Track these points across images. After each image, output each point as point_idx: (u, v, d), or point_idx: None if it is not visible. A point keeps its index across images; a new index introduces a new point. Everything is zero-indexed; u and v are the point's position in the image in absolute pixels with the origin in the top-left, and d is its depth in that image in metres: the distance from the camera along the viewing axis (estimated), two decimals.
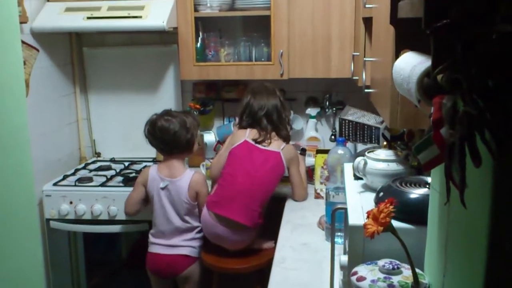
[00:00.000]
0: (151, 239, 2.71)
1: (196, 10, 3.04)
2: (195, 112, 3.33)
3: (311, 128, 3.35)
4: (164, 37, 3.36)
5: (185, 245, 2.65)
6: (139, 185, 2.73)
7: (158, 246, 2.67)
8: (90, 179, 3.09)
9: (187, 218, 2.65)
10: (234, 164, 2.66)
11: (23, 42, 2.41)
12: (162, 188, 2.64)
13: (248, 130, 2.71)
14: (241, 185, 2.58)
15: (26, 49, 2.78)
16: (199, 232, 2.69)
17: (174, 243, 2.65)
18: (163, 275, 2.69)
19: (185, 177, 2.64)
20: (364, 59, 2.10)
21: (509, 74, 0.62)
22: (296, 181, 2.75)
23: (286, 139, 2.74)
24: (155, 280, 2.75)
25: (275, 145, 2.67)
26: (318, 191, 2.77)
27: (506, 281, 0.79)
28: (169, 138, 2.64)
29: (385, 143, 2.20)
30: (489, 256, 0.78)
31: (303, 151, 2.91)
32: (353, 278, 1.27)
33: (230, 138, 2.81)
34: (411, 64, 0.99)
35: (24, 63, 2.58)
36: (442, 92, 0.74)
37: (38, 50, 2.97)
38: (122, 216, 2.92)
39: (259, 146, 2.66)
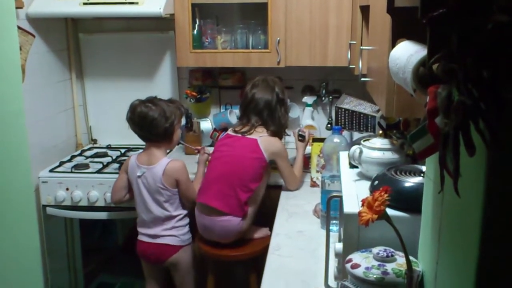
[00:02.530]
0: (137, 227, 2.71)
1: None
2: (190, 100, 3.32)
3: (308, 117, 3.36)
4: (160, 24, 3.34)
5: (166, 235, 2.62)
6: (123, 172, 2.73)
7: (142, 235, 2.68)
8: (86, 166, 3.10)
9: (166, 205, 2.60)
10: (214, 154, 2.71)
11: (18, 27, 2.39)
12: (139, 176, 2.62)
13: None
14: (217, 171, 2.61)
15: (21, 35, 2.76)
16: (180, 220, 2.65)
17: (155, 233, 2.63)
18: (151, 262, 2.70)
19: (161, 164, 2.60)
20: (361, 47, 2.10)
21: (503, 65, 0.63)
22: (286, 174, 2.72)
23: (275, 135, 2.68)
24: (145, 265, 2.76)
25: (255, 134, 2.64)
26: (314, 179, 2.78)
27: (498, 269, 0.80)
28: (147, 125, 2.60)
29: (380, 131, 2.21)
30: (482, 244, 0.79)
31: (302, 138, 2.85)
32: (348, 266, 1.28)
33: None
34: (407, 53, 0.99)
35: (20, 49, 2.56)
36: (438, 81, 0.74)
37: (34, 36, 2.95)
38: None
39: (238, 135, 2.66)
